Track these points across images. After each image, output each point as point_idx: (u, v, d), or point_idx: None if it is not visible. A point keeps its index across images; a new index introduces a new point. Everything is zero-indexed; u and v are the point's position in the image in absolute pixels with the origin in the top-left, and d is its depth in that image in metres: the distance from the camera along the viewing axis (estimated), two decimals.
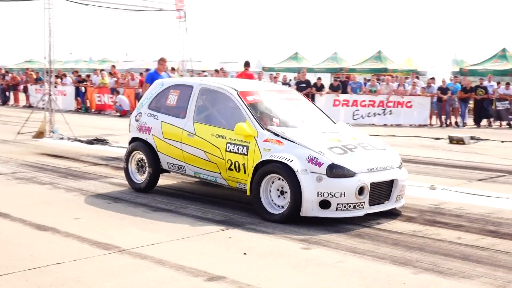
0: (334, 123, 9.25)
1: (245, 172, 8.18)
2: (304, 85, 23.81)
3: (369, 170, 7.74)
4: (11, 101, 31.86)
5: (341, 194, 7.46)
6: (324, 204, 7.52)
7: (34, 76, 31.13)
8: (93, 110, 27.43)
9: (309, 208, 7.50)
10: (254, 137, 8.10)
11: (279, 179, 7.76)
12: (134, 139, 9.74)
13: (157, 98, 9.72)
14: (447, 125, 23.20)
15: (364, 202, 7.63)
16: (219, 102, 9.05)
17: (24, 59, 55.43)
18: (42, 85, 25.89)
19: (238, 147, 8.23)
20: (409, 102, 23.35)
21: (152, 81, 12.82)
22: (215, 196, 9.17)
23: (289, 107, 9.30)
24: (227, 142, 8.35)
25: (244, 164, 8.17)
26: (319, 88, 23.93)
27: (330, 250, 6.52)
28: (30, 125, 17.04)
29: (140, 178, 9.57)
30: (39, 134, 16.53)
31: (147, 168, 9.42)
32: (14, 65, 53.26)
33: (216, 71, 26.62)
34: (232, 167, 8.32)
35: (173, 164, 9.19)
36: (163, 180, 10.16)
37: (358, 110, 23.42)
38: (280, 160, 7.69)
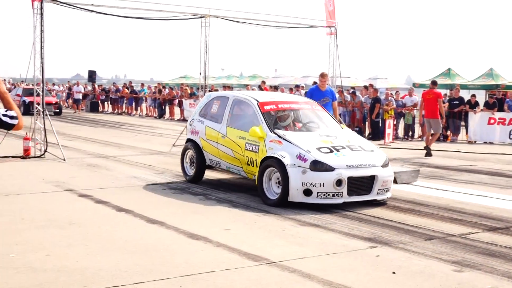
0: (342, 129, 10.91)
1: (257, 166, 9.91)
2: (457, 102, 23.01)
3: (348, 166, 9.33)
4: (167, 115, 33.37)
5: (320, 185, 9.12)
6: (307, 192, 9.16)
7: (189, 91, 32.44)
8: None
9: (295, 194, 9.21)
10: (264, 138, 9.93)
11: (276, 171, 9.44)
12: (188, 140, 11.92)
13: (205, 107, 11.84)
14: None
15: (342, 192, 9.22)
16: (244, 110, 10.95)
17: (180, 75, 58.01)
18: (196, 99, 26.97)
19: (253, 146, 10.13)
20: None
21: (310, 97, 13.03)
22: (361, 213, 9.08)
23: (301, 115, 11.06)
24: (246, 142, 10.28)
25: (256, 160, 10.02)
26: (473, 105, 23.02)
27: (484, 274, 6.24)
28: (185, 138, 17.76)
29: (191, 171, 11.60)
30: None
31: (195, 164, 11.51)
32: (170, 81, 55.88)
33: (365, 87, 26.39)
34: (249, 162, 10.22)
35: (213, 160, 11.24)
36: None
37: None
38: (276, 156, 9.47)
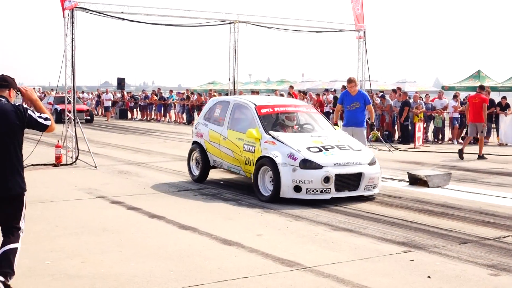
0: (335, 130, 11.56)
1: (253, 166, 10.53)
2: (487, 104, 22.74)
3: (336, 164, 9.93)
4: (195, 121, 33.47)
5: (309, 181, 9.74)
6: (297, 189, 9.77)
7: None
8: None
9: (286, 191, 9.82)
10: (259, 139, 10.62)
11: (269, 170, 10.09)
12: (193, 142, 12.69)
13: (209, 111, 12.65)
14: None
15: (330, 188, 9.80)
16: (243, 114, 11.64)
17: (208, 81, 58.17)
18: None
19: (250, 147, 10.82)
20: None
21: (341, 101, 13.03)
22: (394, 217, 9.02)
23: (297, 117, 11.63)
24: (244, 143, 10.99)
25: (252, 160, 10.68)
26: (504, 107, 22.76)
27: None
28: None
29: (197, 171, 12.35)
30: None
31: (200, 165, 12.25)
32: (198, 87, 56.03)
33: (393, 91, 26.21)
34: (247, 162, 10.90)
35: (216, 160, 12.00)
36: (345, 201, 10.16)
37: None
38: (269, 155, 10.14)
